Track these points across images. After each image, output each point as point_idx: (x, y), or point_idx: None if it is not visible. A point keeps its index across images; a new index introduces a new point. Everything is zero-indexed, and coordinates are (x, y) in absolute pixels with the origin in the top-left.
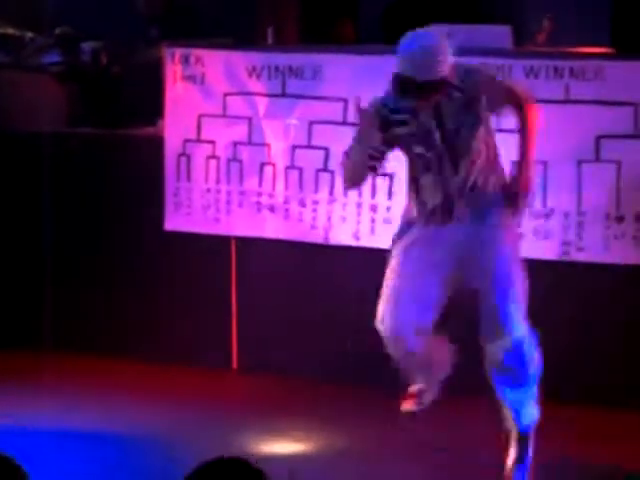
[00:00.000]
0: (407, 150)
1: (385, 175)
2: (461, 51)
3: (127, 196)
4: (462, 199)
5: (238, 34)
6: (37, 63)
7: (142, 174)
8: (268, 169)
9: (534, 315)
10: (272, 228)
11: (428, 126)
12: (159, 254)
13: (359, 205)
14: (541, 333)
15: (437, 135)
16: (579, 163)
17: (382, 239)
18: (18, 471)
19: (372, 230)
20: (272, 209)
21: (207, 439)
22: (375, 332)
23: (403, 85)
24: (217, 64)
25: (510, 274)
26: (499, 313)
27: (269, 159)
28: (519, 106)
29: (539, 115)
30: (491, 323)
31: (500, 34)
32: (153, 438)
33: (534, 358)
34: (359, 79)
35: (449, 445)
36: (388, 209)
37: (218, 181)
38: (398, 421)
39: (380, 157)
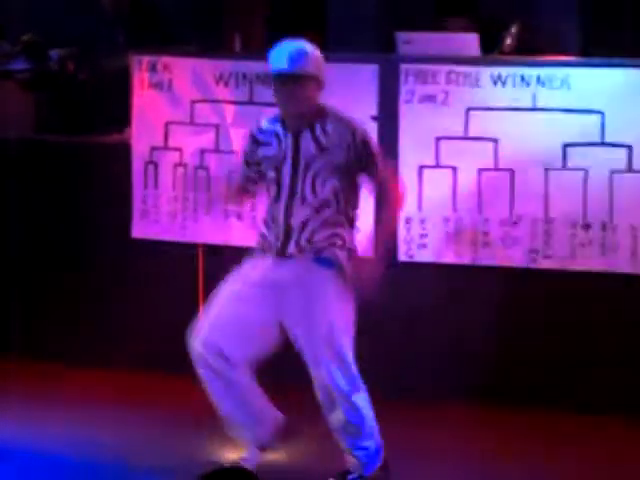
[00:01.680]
0: (266, 174)
1: None
2: (429, 59)
3: (94, 203)
4: (296, 240)
5: (205, 41)
6: (4, 70)
7: (109, 181)
8: (235, 177)
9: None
10: (239, 235)
11: (284, 153)
12: (126, 261)
13: None
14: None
15: (289, 165)
16: (546, 171)
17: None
18: None
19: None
20: (239, 217)
21: (172, 446)
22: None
23: (275, 81)
24: (184, 71)
25: (332, 332)
26: (330, 384)
27: (236, 167)
28: (381, 183)
29: (399, 196)
30: (325, 394)
31: (468, 42)
32: (120, 447)
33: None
34: (326, 87)
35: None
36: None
37: (185, 189)
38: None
39: (255, 179)
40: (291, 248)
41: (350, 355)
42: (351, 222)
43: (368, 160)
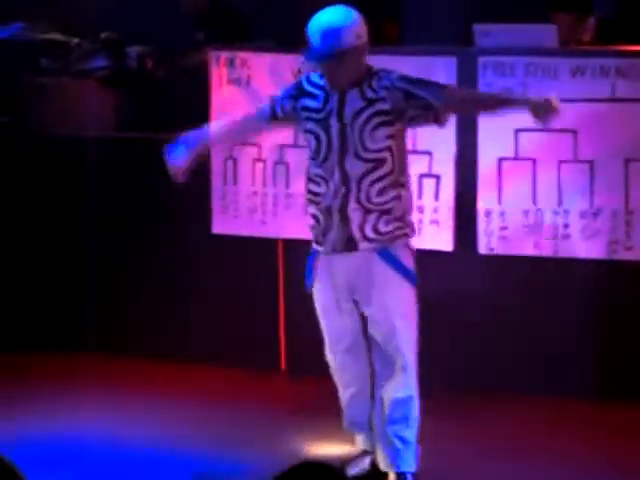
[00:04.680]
0: (306, 126)
1: (432, 176)
2: (507, 51)
3: (174, 200)
4: (356, 198)
5: (283, 36)
6: (83, 68)
7: (189, 178)
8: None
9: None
10: None
11: (331, 108)
12: (207, 257)
13: None
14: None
15: (335, 119)
16: (626, 162)
17: (429, 240)
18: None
19: (419, 231)
20: None
21: (255, 441)
22: None
23: (317, 60)
24: (262, 66)
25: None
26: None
27: None
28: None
29: None
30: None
31: (546, 33)
32: (201, 441)
33: None
34: None
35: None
36: (435, 210)
37: (264, 184)
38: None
39: (275, 122)
40: (354, 225)
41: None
42: (408, 184)
43: (412, 89)
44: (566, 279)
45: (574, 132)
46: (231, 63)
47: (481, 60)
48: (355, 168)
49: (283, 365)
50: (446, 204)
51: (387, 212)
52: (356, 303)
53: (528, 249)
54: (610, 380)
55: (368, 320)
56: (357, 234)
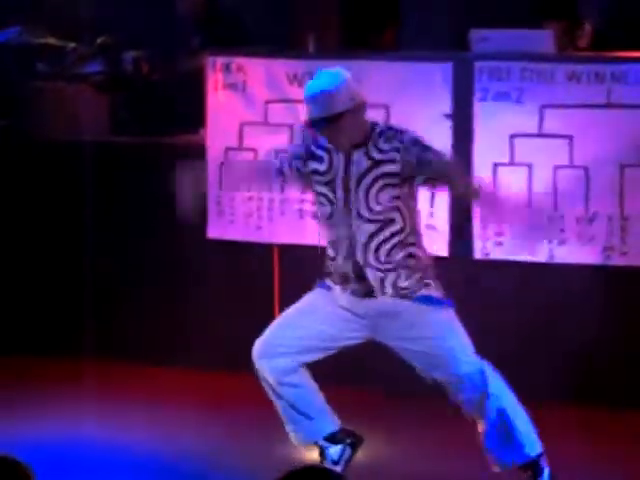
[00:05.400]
0: (316, 189)
1: None
2: (504, 56)
3: (169, 204)
4: (365, 259)
5: (279, 41)
6: (79, 73)
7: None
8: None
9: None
10: (314, 235)
11: (336, 170)
12: (202, 262)
13: None
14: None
15: (340, 181)
16: (622, 167)
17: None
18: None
19: None
20: (315, 216)
21: (253, 446)
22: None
23: (314, 126)
24: (258, 72)
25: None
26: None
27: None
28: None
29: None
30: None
31: (542, 38)
32: (199, 445)
33: None
34: (400, 86)
35: None
36: (431, 215)
37: (260, 189)
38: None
39: (283, 179)
40: (370, 279)
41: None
42: (420, 243)
43: (426, 156)
44: (561, 284)
45: (570, 137)
46: (227, 68)
47: (477, 65)
48: (361, 229)
49: None
50: (442, 209)
51: (404, 268)
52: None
53: (523, 255)
54: (605, 384)
55: (413, 353)
56: (378, 290)
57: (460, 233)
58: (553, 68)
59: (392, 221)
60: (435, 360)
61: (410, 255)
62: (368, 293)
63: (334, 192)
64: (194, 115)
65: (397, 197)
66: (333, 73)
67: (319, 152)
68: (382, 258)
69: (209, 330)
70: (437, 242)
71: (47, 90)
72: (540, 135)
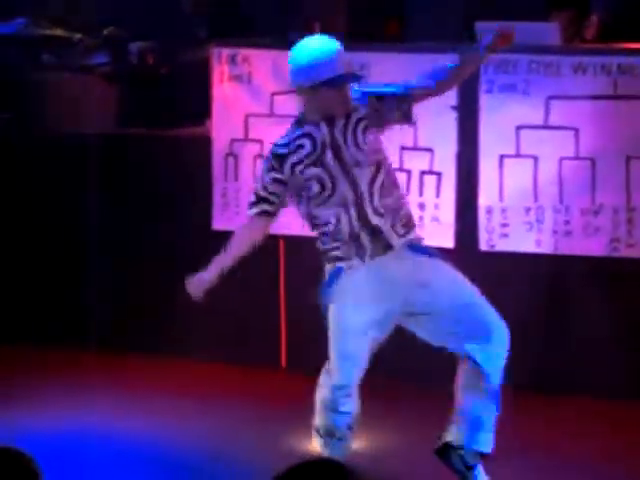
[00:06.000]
0: (301, 178)
1: (433, 173)
2: (510, 48)
3: (175, 196)
4: (374, 209)
5: (285, 33)
6: (85, 64)
7: (190, 174)
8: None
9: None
10: None
11: (322, 142)
12: (207, 254)
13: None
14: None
15: (328, 149)
16: (628, 159)
17: (430, 237)
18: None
19: (420, 228)
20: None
21: (255, 439)
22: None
23: (327, 87)
24: (264, 63)
25: None
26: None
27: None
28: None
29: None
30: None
31: (549, 31)
32: (200, 438)
33: None
34: (406, 77)
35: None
36: (436, 206)
37: None
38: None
39: (277, 202)
40: (383, 229)
41: None
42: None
43: (385, 88)
44: (567, 276)
45: (576, 129)
46: (233, 60)
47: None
48: (362, 177)
49: (283, 362)
50: (447, 201)
51: (400, 212)
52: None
53: (529, 246)
54: (615, 378)
55: (438, 317)
56: (392, 237)
57: (465, 225)
58: (559, 60)
59: (380, 163)
60: (463, 314)
61: (402, 196)
62: (385, 247)
63: (323, 165)
64: (200, 107)
65: (377, 139)
66: (321, 37)
67: (291, 146)
68: (385, 200)
69: (214, 321)
70: (442, 234)
71: (53, 82)
72: (546, 127)
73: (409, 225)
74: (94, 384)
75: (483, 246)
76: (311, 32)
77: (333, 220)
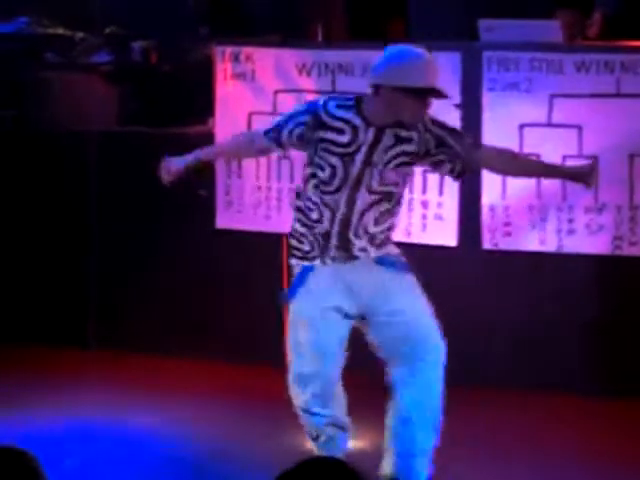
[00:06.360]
0: (323, 157)
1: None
2: (512, 46)
3: (178, 194)
4: (355, 231)
5: (287, 31)
6: (87, 62)
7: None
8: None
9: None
10: None
11: (359, 145)
12: (210, 252)
13: (410, 201)
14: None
15: (362, 156)
16: (631, 157)
17: (433, 235)
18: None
19: (423, 227)
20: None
21: (257, 437)
22: None
23: (424, 95)
24: (267, 61)
25: None
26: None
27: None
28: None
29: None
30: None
31: (551, 28)
32: (205, 437)
33: None
34: None
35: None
36: (439, 205)
37: (269, 179)
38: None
39: (282, 148)
40: (355, 246)
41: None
42: (398, 213)
43: (446, 136)
44: (570, 275)
45: (579, 127)
46: (236, 58)
47: (486, 55)
48: (363, 200)
49: (285, 362)
50: (450, 199)
51: (385, 236)
52: (346, 314)
53: (532, 245)
54: (616, 376)
55: (387, 325)
56: (360, 253)
57: (468, 223)
58: (562, 58)
59: (391, 194)
60: (412, 331)
61: (392, 226)
62: (349, 257)
63: (347, 164)
64: (202, 105)
65: (407, 174)
66: (421, 48)
67: (336, 123)
68: (370, 228)
69: (217, 320)
70: (445, 232)
71: (55, 80)
72: (549, 125)
73: (383, 244)
74: (94, 384)
75: (486, 244)
76: (314, 31)
77: (316, 212)
